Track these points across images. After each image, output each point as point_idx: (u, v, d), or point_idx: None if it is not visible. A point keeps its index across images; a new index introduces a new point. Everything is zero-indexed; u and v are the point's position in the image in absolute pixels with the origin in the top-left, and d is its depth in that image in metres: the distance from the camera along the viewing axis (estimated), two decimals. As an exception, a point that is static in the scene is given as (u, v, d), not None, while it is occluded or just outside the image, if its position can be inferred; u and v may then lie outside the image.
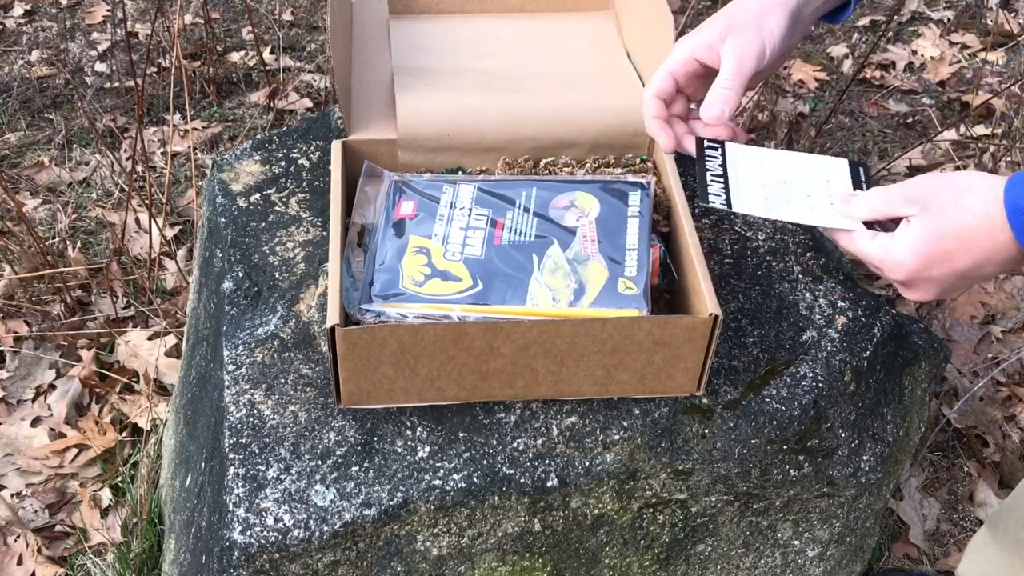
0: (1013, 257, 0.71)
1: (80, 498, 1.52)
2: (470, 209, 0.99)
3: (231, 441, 0.94)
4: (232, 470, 0.92)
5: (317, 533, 0.90)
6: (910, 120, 2.34)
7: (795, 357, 1.04)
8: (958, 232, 0.72)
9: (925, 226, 0.74)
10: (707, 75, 0.85)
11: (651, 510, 1.02)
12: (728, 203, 0.85)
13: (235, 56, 2.47)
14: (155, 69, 2.40)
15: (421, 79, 1.13)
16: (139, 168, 2.04)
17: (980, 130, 2.24)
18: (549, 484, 0.95)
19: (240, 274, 1.07)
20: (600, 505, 0.99)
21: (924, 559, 1.51)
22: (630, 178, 1.03)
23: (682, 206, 0.99)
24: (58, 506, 1.52)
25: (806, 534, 1.12)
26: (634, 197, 1.00)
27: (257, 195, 1.16)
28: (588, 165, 1.10)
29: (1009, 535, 1.21)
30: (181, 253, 1.89)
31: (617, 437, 0.96)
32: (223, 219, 1.13)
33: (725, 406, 1.00)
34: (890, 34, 2.64)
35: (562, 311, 0.91)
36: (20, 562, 1.44)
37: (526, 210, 0.99)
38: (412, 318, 0.91)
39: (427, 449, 0.94)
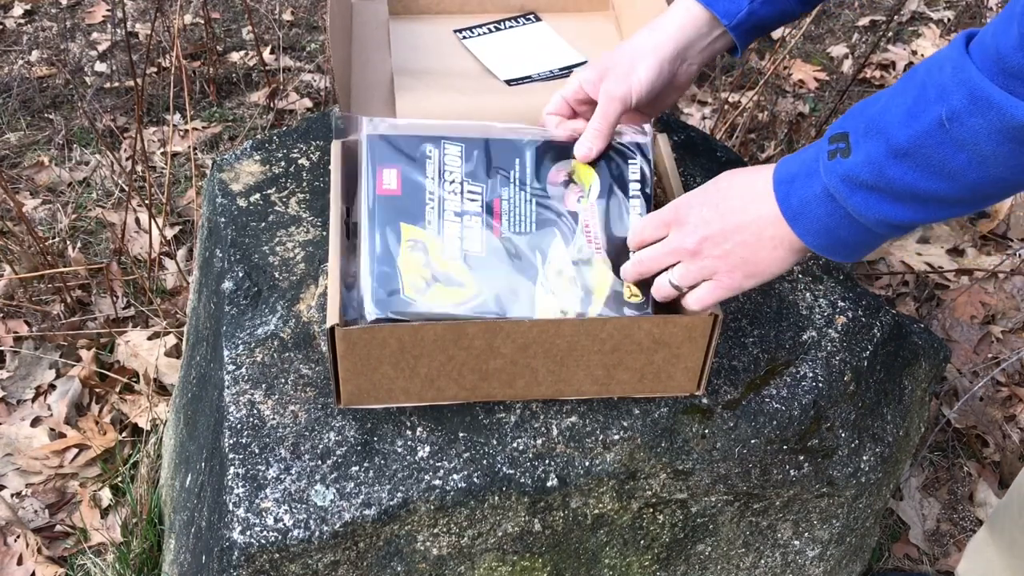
0: (775, 216, 0.78)
1: (80, 498, 1.52)
2: (461, 184, 0.93)
3: (231, 441, 0.94)
4: (232, 470, 0.92)
5: (317, 533, 0.90)
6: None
7: (795, 357, 1.04)
8: (730, 182, 0.83)
9: (707, 184, 0.85)
10: (594, 103, 0.96)
11: (651, 510, 1.02)
12: None
13: (235, 56, 2.47)
14: (155, 69, 2.40)
15: (421, 80, 1.13)
16: (139, 168, 2.04)
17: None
18: (549, 484, 0.95)
19: (240, 274, 1.07)
20: (600, 505, 0.99)
21: (924, 559, 1.51)
22: (626, 139, 0.98)
23: None
24: (58, 506, 1.52)
25: (806, 534, 1.12)
26: (634, 170, 0.96)
27: (257, 195, 1.16)
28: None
29: (1006, 534, 1.21)
30: (181, 253, 1.89)
31: (617, 437, 0.97)
32: (223, 219, 1.13)
33: (725, 406, 1.00)
34: (890, 34, 2.64)
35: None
36: (20, 562, 1.44)
37: (522, 186, 0.94)
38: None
39: (427, 449, 0.94)
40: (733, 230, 0.81)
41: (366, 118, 0.95)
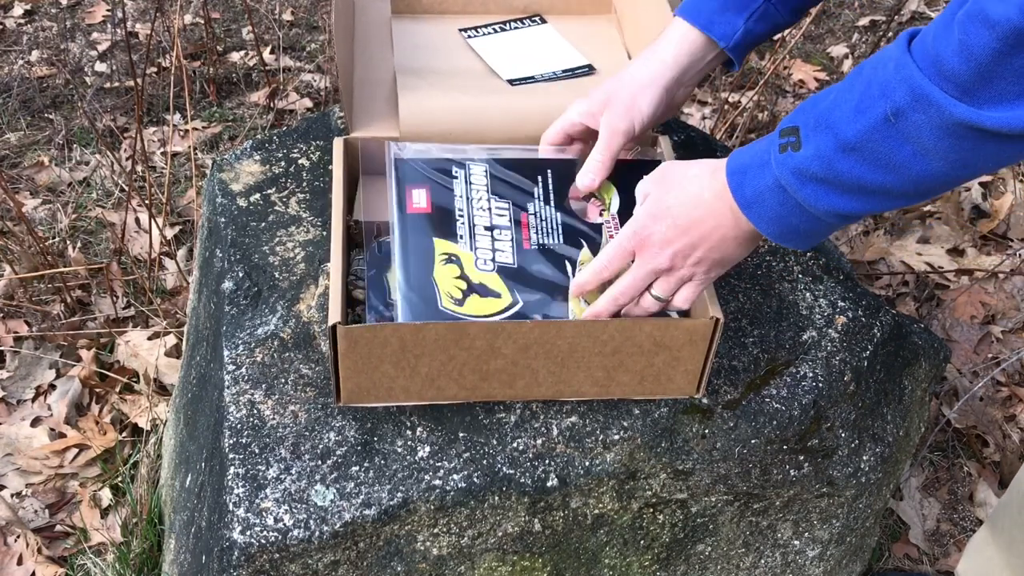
0: (733, 215, 0.81)
1: (80, 498, 1.52)
2: (488, 200, 0.96)
3: (231, 441, 0.94)
4: (232, 470, 0.92)
5: (317, 533, 0.90)
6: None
7: (795, 357, 1.04)
8: (679, 190, 0.85)
9: (654, 193, 0.86)
10: (593, 133, 0.98)
11: (651, 510, 1.02)
12: None
13: (235, 56, 2.47)
14: (155, 69, 2.40)
15: (423, 79, 1.13)
16: (139, 168, 2.04)
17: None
18: (549, 484, 0.95)
19: (240, 274, 1.07)
20: (600, 505, 0.99)
21: (924, 559, 1.51)
22: (645, 157, 1.00)
23: None
24: (58, 506, 1.52)
25: (806, 534, 1.12)
26: None
27: (257, 195, 1.16)
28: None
29: (1006, 533, 1.21)
30: (181, 253, 1.89)
31: (617, 437, 0.97)
32: (223, 219, 1.13)
33: (725, 406, 1.00)
34: (890, 34, 2.64)
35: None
36: (20, 562, 1.44)
37: (546, 201, 0.97)
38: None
39: (427, 449, 0.94)
40: (700, 240, 0.84)
41: (392, 143, 0.99)
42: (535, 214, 0.96)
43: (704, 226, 0.83)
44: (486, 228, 0.95)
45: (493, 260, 0.93)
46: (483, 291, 0.91)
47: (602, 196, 0.98)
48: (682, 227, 0.84)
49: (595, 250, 0.94)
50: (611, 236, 0.95)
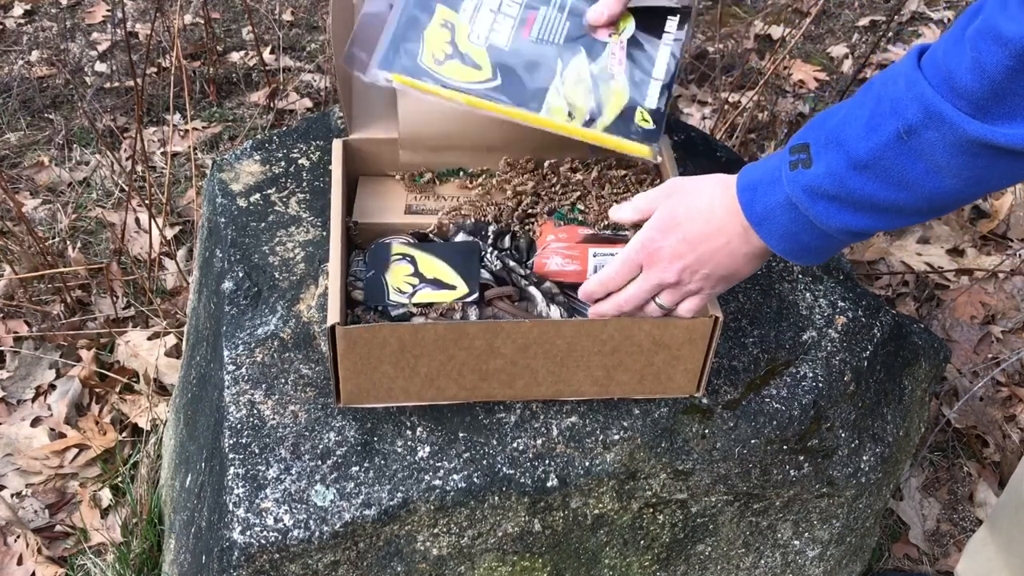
0: (743, 231, 0.81)
1: (80, 498, 1.52)
2: None
3: (231, 441, 0.94)
4: (232, 470, 0.92)
5: (317, 533, 0.90)
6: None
7: (795, 357, 1.04)
8: (689, 204, 0.84)
9: (663, 206, 0.86)
10: None
11: (651, 510, 1.02)
12: None
13: (235, 56, 2.47)
14: (155, 69, 2.40)
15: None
16: (139, 168, 2.04)
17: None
18: (549, 484, 0.95)
19: (240, 274, 1.07)
20: (600, 505, 0.99)
21: (924, 559, 1.51)
22: (671, 2, 0.98)
23: None
24: (58, 506, 1.52)
25: (806, 534, 1.12)
26: (671, 24, 0.96)
27: (257, 195, 1.16)
28: (592, 167, 1.10)
29: (1004, 533, 1.21)
30: (181, 253, 1.89)
31: (617, 437, 0.97)
32: (223, 219, 1.13)
33: (725, 406, 1.00)
34: (890, 34, 2.64)
35: (575, 129, 0.89)
36: (20, 562, 1.44)
37: (560, 10, 0.95)
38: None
39: (427, 449, 0.94)
40: (709, 255, 0.84)
41: None
42: (545, 16, 0.94)
43: (714, 241, 0.83)
44: (491, 11, 0.93)
45: (487, 38, 0.92)
46: (465, 59, 0.91)
47: (617, 23, 0.95)
48: (691, 242, 0.83)
49: (594, 59, 0.92)
50: (613, 53, 0.93)
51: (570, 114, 0.89)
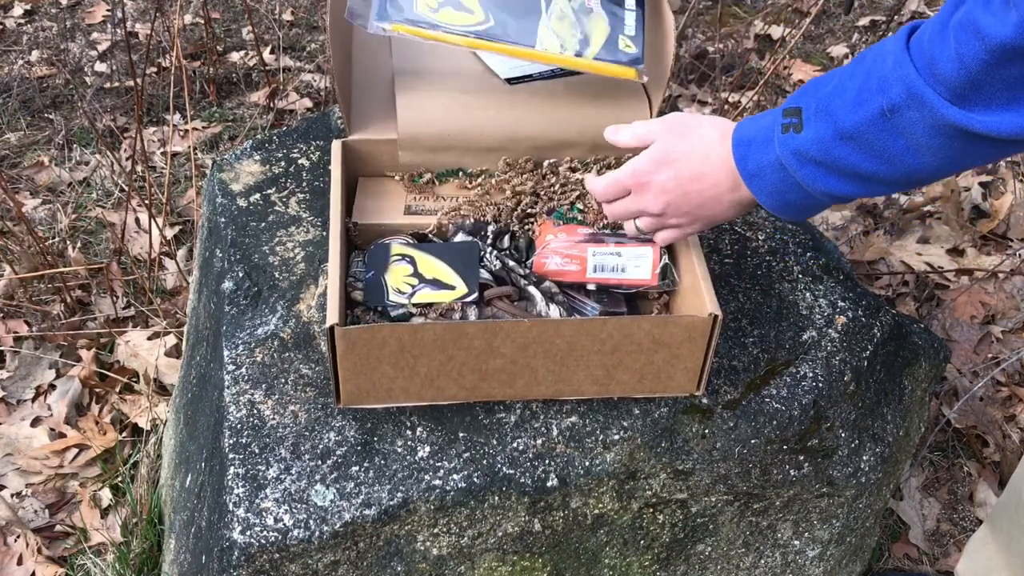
0: (733, 181, 0.85)
1: (80, 498, 1.52)
2: None
3: (231, 441, 0.94)
4: (232, 470, 0.92)
5: (317, 533, 0.90)
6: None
7: (795, 357, 1.04)
8: (685, 145, 0.88)
9: (662, 140, 0.89)
10: None
11: (651, 510, 1.02)
12: None
13: (235, 56, 2.47)
14: (155, 69, 2.40)
15: (422, 79, 1.13)
16: (139, 168, 2.04)
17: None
18: (549, 484, 0.95)
19: (240, 274, 1.07)
20: (600, 505, 0.99)
21: (924, 559, 1.51)
22: None
23: None
24: (58, 506, 1.52)
25: (806, 534, 1.12)
26: None
27: (257, 195, 1.16)
28: (591, 166, 1.10)
29: (1004, 532, 1.21)
30: (181, 253, 1.89)
31: (617, 437, 0.96)
32: (223, 219, 1.13)
33: (725, 406, 1.00)
34: (890, 34, 2.64)
35: (568, 59, 0.93)
36: (20, 562, 1.44)
37: None
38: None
39: (427, 449, 0.94)
40: (695, 196, 0.88)
41: None
42: None
43: (702, 183, 0.87)
44: None
45: None
46: (458, 5, 0.94)
47: None
48: (681, 181, 0.87)
49: None
50: None
51: (562, 46, 0.94)
